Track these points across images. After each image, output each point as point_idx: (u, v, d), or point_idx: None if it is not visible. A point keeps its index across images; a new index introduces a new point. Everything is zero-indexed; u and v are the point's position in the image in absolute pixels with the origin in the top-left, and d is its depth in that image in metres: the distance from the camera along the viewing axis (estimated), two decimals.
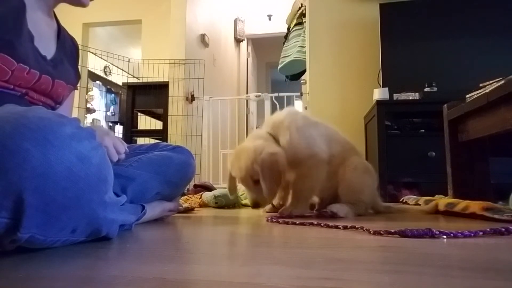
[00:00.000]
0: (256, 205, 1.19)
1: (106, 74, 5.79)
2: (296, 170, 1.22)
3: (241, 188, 1.91)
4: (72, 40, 1.02)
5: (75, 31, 3.93)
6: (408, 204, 1.74)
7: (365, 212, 1.24)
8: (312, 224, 0.95)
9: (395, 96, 2.35)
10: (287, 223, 1.01)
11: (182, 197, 1.78)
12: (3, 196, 0.50)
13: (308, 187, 1.22)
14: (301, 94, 3.41)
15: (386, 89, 2.37)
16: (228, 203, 1.64)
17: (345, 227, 0.87)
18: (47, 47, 0.86)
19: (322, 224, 0.92)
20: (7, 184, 0.50)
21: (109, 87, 5.95)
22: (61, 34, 0.93)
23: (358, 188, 1.22)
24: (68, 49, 0.97)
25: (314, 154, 1.19)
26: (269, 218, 1.09)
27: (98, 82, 5.67)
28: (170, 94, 3.06)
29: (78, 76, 1.02)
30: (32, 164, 0.51)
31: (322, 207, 1.31)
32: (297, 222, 0.99)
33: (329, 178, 1.25)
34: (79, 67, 1.05)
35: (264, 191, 1.12)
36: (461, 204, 1.16)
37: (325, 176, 1.22)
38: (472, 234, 0.74)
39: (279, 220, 1.06)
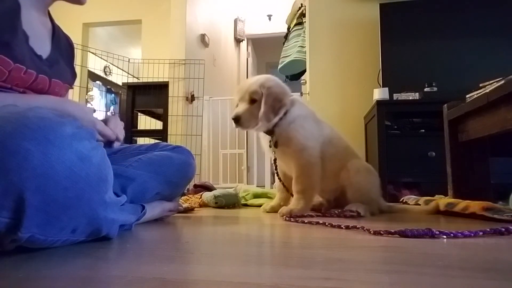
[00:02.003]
0: (237, 119, 1.23)
1: (106, 74, 5.79)
2: (292, 171, 1.26)
3: (241, 189, 1.92)
4: (67, 39, 1.02)
5: (75, 31, 3.93)
6: (408, 204, 1.74)
7: (376, 211, 1.27)
8: (318, 223, 0.97)
9: (395, 96, 2.35)
10: (297, 221, 1.05)
11: (182, 197, 1.78)
12: (4, 196, 0.50)
13: (306, 185, 1.24)
14: (301, 94, 3.41)
15: (386, 89, 2.37)
16: (228, 203, 1.64)
17: (347, 227, 0.88)
18: (42, 47, 0.86)
19: (327, 223, 0.94)
20: (7, 184, 0.50)
21: (109, 87, 5.95)
22: (56, 33, 0.93)
23: (367, 188, 1.26)
24: (63, 48, 0.96)
25: (305, 148, 1.23)
26: (287, 218, 1.11)
27: (98, 82, 5.67)
28: (170, 94, 3.06)
29: (74, 75, 1.01)
30: (32, 164, 0.51)
31: (328, 209, 1.33)
32: (306, 221, 1.02)
33: (330, 180, 1.29)
34: (79, 66, 1.05)
35: (261, 113, 1.20)
36: (461, 204, 1.16)
37: (320, 172, 1.25)
38: (472, 234, 0.74)
39: (291, 219, 1.09)
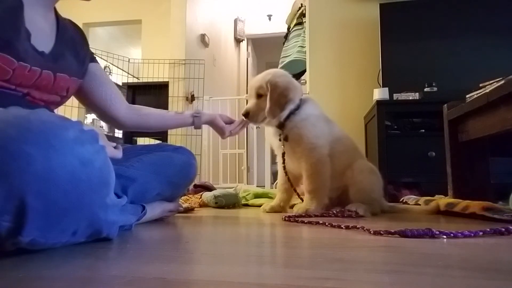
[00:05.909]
0: (246, 114, 1.29)
1: None
2: (302, 170, 1.27)
3: (241, 189, 1.92)
4: (76, 29, 0.98)
5: None
6: (408, 204, 1.74)
7: (378, 211, 1.26)
8: (318, 223, 0.97)
9: (395, 96, 2.35)
10: (296, 221, 1.04)
11: (182, 197, 1.77)
12: (6, 199, 0.50)
13: (318, 184, 1.24)
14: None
15: (386, 89, 2.37)
16: (228, 203, 1.64)
17: (347, 227, 0.88)
18: (45, 42, 0.84)
19: (327, 223, 0.94)
20: (9, 188, 0.50)
21: None
22: (60, 26, 0.90)
23: (369, 188, 1.26)
24: (69, 40, 0.93)
25: (315, 146, 1.24)
26: (286, 218, 1.10)
27: None
28: (170, 94, 3.06)
29: (85, 64, 0.98)
30: (34, 168, 0.51)
31: (331, 207, 1.33)
32: (306, 221, 1.02)
33: (336, 179, 1.29)
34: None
35: (267, 109, 1.24)
36: (461, 204, 1.16)
37: (330, 171, 1.25)
38: (472, 234, 0.74)
39: (291, 219, 1.08)
